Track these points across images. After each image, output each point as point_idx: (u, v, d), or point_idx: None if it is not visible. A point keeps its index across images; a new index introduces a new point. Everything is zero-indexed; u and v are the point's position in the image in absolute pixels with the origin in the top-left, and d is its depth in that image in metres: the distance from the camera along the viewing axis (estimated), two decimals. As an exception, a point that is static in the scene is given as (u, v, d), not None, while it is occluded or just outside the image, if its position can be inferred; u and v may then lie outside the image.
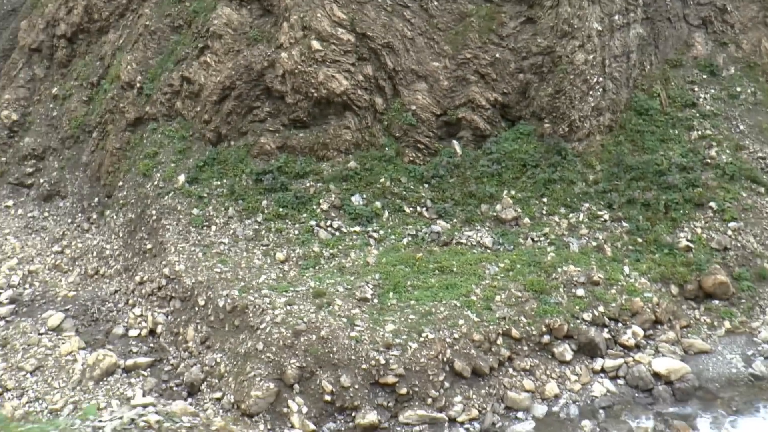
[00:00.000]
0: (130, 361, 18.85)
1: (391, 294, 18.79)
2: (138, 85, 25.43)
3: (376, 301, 18.56)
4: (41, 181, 28.11)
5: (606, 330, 18.50)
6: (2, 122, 29.09)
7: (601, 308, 18.56)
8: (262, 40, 23.50)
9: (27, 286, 24.18)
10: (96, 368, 18.27)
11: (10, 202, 28.65)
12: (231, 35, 23.70)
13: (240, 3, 24.12)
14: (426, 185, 22.53)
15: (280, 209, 21.60)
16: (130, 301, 21.52)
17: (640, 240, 21.12)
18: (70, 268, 24.59)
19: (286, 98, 22.75)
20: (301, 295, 18.58)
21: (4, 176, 29.11)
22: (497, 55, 23.68)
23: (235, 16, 23.93)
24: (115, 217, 24.51)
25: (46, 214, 27.65)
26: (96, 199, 26.01)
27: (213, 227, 21.51)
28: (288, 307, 17.95)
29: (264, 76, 23.04)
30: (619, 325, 18.71)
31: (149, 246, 22.17)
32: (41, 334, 20.89)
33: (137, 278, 21.86)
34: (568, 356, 17.85)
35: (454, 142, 23.53)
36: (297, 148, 22.68)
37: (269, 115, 23.03)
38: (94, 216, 25.76)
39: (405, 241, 21.19)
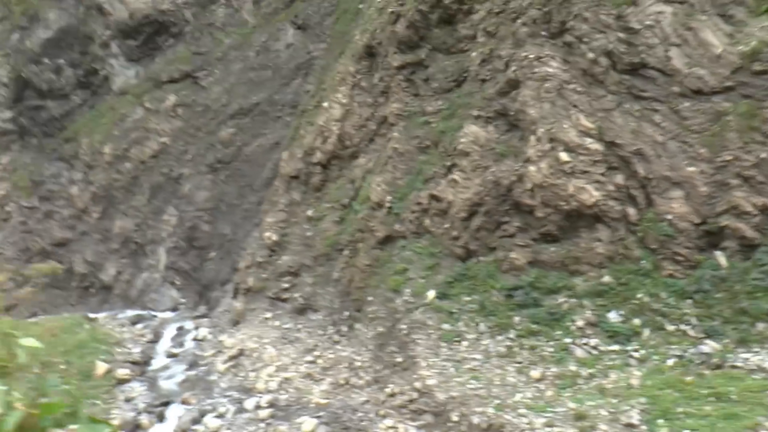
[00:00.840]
0: (384, 475, 19.06)
1: (661, 421, 17.31)
2: (387, 204, 27.11)
3: (644, 428, 17.18)
4: (296, 295, 30.49)
5: None
6: (265, 242, 32.42)
7: None
8: (509, 155, 24.08)
9: (283, 391, 25.87)
10: (354, 481, 18.68)
11: (269, 315, 31.34)
12: (478, 152, 24.61)
13: (486, 120, 25.13)
14: (688, 301, 20.93)
15: (533, 326, 21.25)
16: (381, 413, 22.01)
17: None
18: (322, 377, 25.94)
19: (535, 212, 22.83)
20: (560, 417, 17.80)
21: (264, 291, 32.05)
22: (762, 155, 21.94)
23: (482, 133, 24.91)
24: (365, 330, 25.66)
25: (299, 326, 29.76)
26: (346, 313, 27.52)
27: (464, 343, 21.65)
28: (548, 429, 17.23)
29: (512, 190, 23.43)
30: None
31: (400, 359, 22.78)
32: (296, 439, 22.01)
33: (388, 390, 22.43)
34: None
35: (718, 252, 21.79)
36: (548, 263, 22.44)
37: (518, 230, 23.20)
38: (345, 329, 27.17)
39: (670, 362, 19.63)
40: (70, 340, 31.29)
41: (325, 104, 32.63)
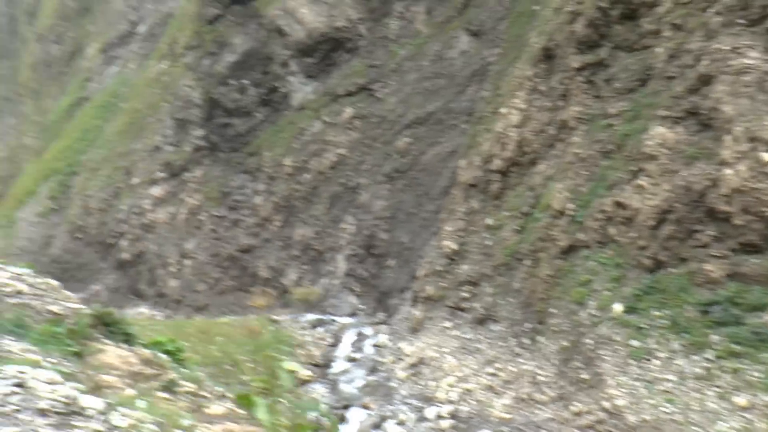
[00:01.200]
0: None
1: None
2: (569, 212, 26.70)
3: None
4: (476, 305, 30.84)
5: None
6: (443, 251, 33.12)
7: None
8: (702, 158, 22.83)
9: (464, 403, 26.33)
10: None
11: (448, 324, 31.97)
12: (666, 155, 23.58)
13: (674, 120, 24.01)
14: None
15: (735, 346, 19.95)
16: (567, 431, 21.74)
17: None
18: (504, 391, 26.08)
19: (732, 220, 21.48)
20: (775, 453, 16.60)
21: (443, 300, 32.72)
22: None
23: (670, 134, 23.83)
24: (547, 343, 25.45)
25: (479, 336, 30.07)
26: (528, 325, 27.43)
27: (655, 361, 20.83)
28: (756, 463, 16.15)
29: (705, 196, 22.21)
30: None
31: (585, 376, 22.39)
32: (479, 452, 22.35)
33: (573, 408, 22.16)
34: None
35: None
36: (750, 276, 20.98)
37: (713, 240, 21.92)
38: (526, 341, 27.09)
39: None
40: (256, 340, 33.84)
41: (503, 110, 32.70)
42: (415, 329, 34.05)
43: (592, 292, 24.21)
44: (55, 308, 7.04)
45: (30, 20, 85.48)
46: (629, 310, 22.54)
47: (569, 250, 26.32)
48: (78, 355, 5.92)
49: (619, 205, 24.75)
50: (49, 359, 5.59)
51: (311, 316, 41.12)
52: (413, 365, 31.15)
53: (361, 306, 41.45)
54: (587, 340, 22.99)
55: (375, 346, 35.33)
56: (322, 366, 33.64)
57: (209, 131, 49.98)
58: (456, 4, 44.02)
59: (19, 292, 7.75)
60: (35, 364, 5.17)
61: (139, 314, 44.37)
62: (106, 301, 46.77)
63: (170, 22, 61.91)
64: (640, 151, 24.69)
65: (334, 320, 40.03)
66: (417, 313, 34.40)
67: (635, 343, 21.62)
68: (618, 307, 22.80)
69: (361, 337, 36.90)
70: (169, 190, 50.67)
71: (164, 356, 6.43)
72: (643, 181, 24.20)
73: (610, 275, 24.07)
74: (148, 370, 5.70)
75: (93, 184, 54.82)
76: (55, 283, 9.10)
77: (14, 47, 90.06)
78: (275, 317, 40.34)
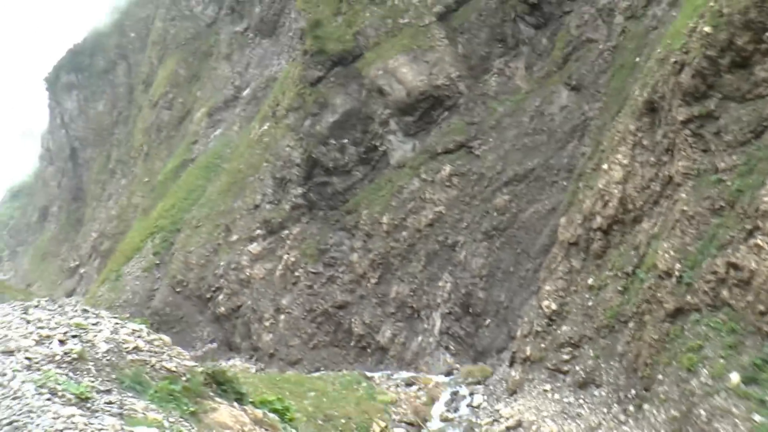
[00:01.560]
0: None
1: None
2: (677, 273, 25.70)
3: None
4: (576, 368, 29.97)
5: None
6: (543, 311, 32.54)
7: None
8: (825, 214, 21.58)
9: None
10: None
11: (548, 387, 31.17)
12: (786, 213, 22.38)
13: (792, 175, 22.87)
14: None
15: None
16: None
17: None
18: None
19: None
20: None
21: (543, 361, 31.98)
22: None
23: (790, 191, 22.66)
24: (655, 412, 24.34)
25: (581, 401, 29.12)
26: (633, 391, 26.38)
27: (787, 439, 19.37)
28: None
29: (835, 256, 20.89)
30: None
31: (699, 449, 21.12)
32: None
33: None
34: None
35: None
36: None
37: None
38: (631, 408, 26.02)
39: None
40: (349, 396, 34.01)
41: (604, 166, 32.15)
42: (513, 391, 33.32)
43: (703, 359, 22.96)
44: (170, 365, 7.42)
45: (145, 89, 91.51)
46: (748, 380, 21.12)
47: (677, 314, 25.19)
48: (194, 414, 6.19)
49: (733, 266, 23.55)
50: (170, 419, 5.88)
51: (405, 374, 41.01)
52: (511, 428, 30.45)
53: (456, 365, 41.03)
54: (700, 411, 21.74)
55: (470, 406, 34.83)
56: (416, 425, 33.42)
57: (308, 189, 51.47)
58: (555, 58, 44.14)
59: (137, 348, 8.21)
60: (159, 425, 5.43)
61: (232, 367, 45.49)
62: (201, 354, 48.32)
63: (273, 86, 64.72)
64: (756, 207, 23.52)
65: (428, 378, 39.80)
66: (515, 374, 33.71)
67: (758, 418, 20.13)
68: (735, 377, 21.43)
69: (457, 396, 36.45)
70: (267, 247, 52.25)
71: (273, 415, 6.59)
72: (759, 240, 22.99)
73: (725, 342, 22.77)
74: (260, 430, 5.86)
75: (194, 241, 57.19)
76: (167, 339, 9.57)
77: (131, 114, 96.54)
78: (368, 374, 40.45)
